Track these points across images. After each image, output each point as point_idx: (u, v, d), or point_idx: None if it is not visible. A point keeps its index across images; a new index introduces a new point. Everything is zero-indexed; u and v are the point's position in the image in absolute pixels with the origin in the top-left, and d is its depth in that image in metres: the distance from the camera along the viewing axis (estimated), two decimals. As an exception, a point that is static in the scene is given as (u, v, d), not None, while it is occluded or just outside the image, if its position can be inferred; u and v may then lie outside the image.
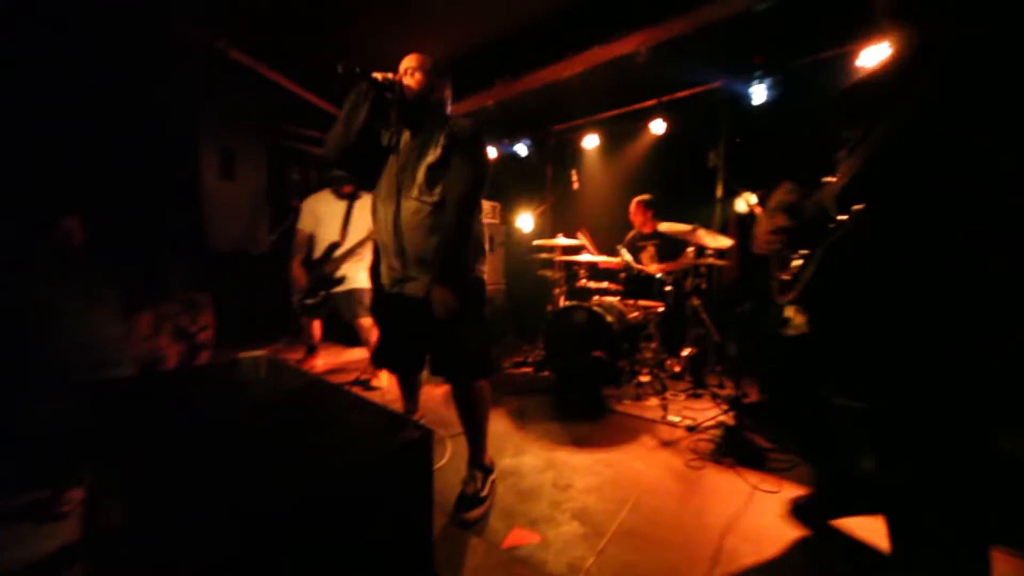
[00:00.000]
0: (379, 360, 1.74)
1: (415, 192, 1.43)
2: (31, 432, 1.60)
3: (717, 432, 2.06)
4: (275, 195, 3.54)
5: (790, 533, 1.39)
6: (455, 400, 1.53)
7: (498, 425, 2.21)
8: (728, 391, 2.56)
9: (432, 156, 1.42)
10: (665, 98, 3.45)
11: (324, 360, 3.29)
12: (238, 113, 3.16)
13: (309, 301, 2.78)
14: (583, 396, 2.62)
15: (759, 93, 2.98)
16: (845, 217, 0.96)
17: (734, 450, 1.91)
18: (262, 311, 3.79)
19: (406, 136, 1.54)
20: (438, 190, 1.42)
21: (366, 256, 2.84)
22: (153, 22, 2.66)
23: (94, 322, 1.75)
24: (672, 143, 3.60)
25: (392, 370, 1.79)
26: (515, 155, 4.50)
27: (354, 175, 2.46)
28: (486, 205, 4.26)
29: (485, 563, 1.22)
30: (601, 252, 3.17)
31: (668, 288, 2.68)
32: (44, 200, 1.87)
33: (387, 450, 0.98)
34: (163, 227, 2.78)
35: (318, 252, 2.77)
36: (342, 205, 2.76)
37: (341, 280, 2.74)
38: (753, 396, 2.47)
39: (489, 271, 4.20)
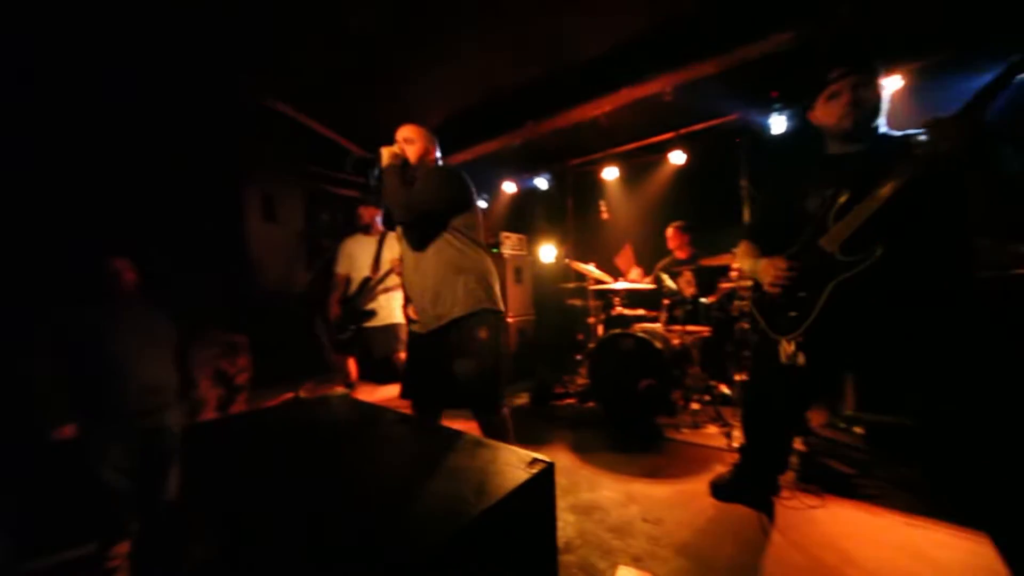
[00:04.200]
0: (407, 393, 1.72)
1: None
2: (100, 478, 1.53)
3: (791, 459, 1.98)
4: (310, 236, 3.61)
5: (920, 567, 1.31)
6: (480, 428, 1.55)
7: (561, 459, 2.13)
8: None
9: None
10: (683, 131, 3.63)
11: (361, 398, 3.21)
12: (279, 158, 3.29)
13: (341, 336, 2.76)
14: (638, 426, 2.55)
15: (778, 124, 3.15)
16: (848, 260, 1.15)
17: (815, 477, 1.83)
18: (291, 352, 3.74)
19: None
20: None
21: (398, 286, 2.86)
22: (206, 77, 2.82)
23: (155, 364, 1.72)
24: (693, 172, 3.75)
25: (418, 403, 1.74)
26: (536, 189, 4.65)
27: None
28: (512, 237, 4.34)
29: (606, 607, 1.13)
30: (633, 278, 3.21)
31: (717, 313, 2.68)
32: (95, 243, 1.88)
33: (521, 481, 0.93)
34: (207, 269, 2.81)
35: (352, 289, 2.79)
36: (373, 241, 2.82)
37: (371, 314, 2.72)
38: (818, 419, 2.41)
39: (518, 303, 4.25)
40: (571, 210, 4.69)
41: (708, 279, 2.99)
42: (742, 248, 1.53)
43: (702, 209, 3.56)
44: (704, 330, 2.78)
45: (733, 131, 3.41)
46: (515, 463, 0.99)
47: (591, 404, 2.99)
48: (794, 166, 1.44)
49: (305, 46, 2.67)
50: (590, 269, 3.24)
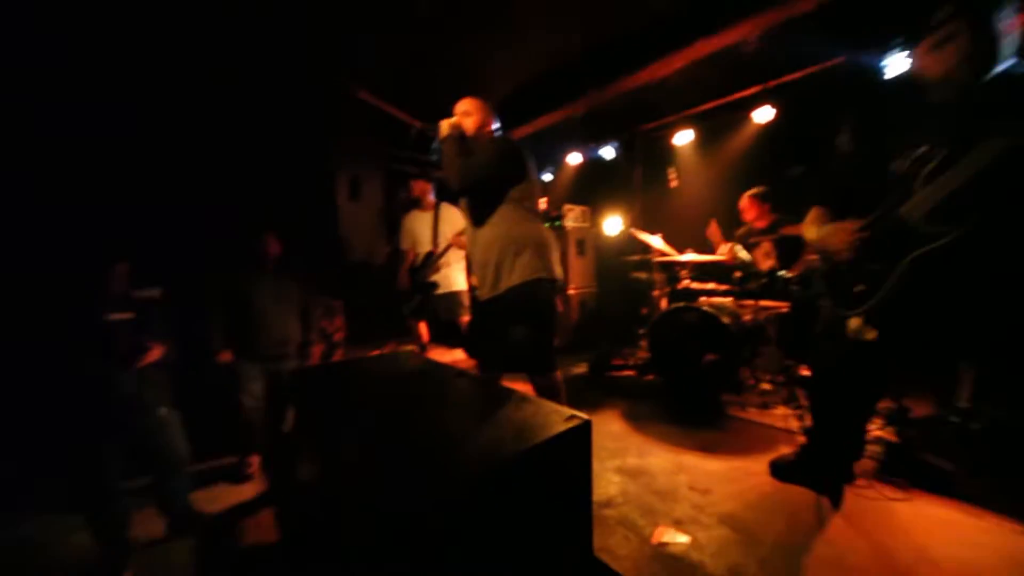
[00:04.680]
0: (472, 353, 1.88)
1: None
2: (242, 404, 1.98)
3: (876, 449, 1.81)
4: (389, 213, 3.97)
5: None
6: (533, 390, 1.64)
7: (613, 425, 2.20)
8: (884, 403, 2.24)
9: None
10: (772, 83, 3.20)
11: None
12: (362, 143, 3.63)
13: (411, 304, 3.06)
14: (699, 401, 2.48)
15: (896, 65, 2.63)
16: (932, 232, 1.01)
17: (905, 470, 1.66)
18: (376, 315, 4.23)
19: None
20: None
21: (460, 258, 3.03)
22: (304, 74, 3.17)
23: (286, 321, 2.13)
24: (782, 130, 3.31)
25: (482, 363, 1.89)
26: (601, 159, 4.49)
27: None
28: (575, 209, 4.29)
29: (639, 554, 1.22)
30: (706, 251, 3.01)
31: (795, 287, 2.44)
32: (245, 219, 2.33)
33: (556, 432, 1.03)
34: (308, 242, 3.28)
35: (418, 262, 3.05)
36: (428, 217, 3.00)
37: (434, 285, 2.95)
38: (921, 410, 2.12)
39: (580, 275, 4.25)
40: (639, 179, 4.46)
41: (791, 250, 2.70)
42: (812, 214, 1.39)
43: (786, 172, 3.16)
44: (781, 306, 2.55)
45: (836, 78, 2.92)
46: (554, 417, 1.10)
47: (650, 377, 2.96)
48: (892, 118, 1.25)
49: (380, 35, 2.86)
50: (654, 240, 3.11)
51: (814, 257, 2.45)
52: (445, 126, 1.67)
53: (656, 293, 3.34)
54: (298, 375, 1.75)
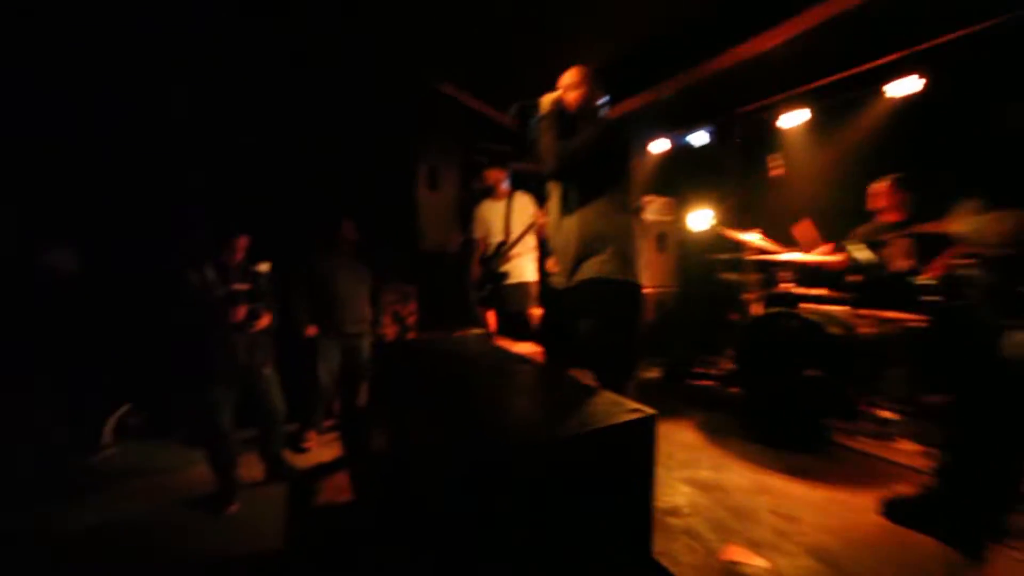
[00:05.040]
0: (541, 341, 1.83)
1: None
2: (316, 376, 2.24)
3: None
4: (464, 202, 4.16)
5: None
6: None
7: (685, 435, 2.05)
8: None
9: None
10: (920, 47, 2.62)
11: (501, 349, 3.67)
12: (441, 134, 3.85)
13: (480, 293, 3.15)
14: (793, 421, 2.18)
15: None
16: None
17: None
18: (448, 302, 4.47)
19: None
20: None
21: (530, 248, 3.03)
22: (388, 70, 3.44)
23: (361, 301, 2.38)
24: (926, 107, 2.71)
25: (549, 352, 1.83)
26: (689, 146, 4.14)
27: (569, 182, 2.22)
28: (657, 200, 4.03)
29: (703, 565, 1.14)
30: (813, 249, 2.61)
31: (934, 297, 2.00)
32: (326, 207, 2.62)
33: (617, 422, 0.99)
34: (386, 230, 3.57)
35: (490, 251, 3.10)
36: (501, 206, 2.99)
37: (504, 275, 2.97)
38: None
39: (658, 272, 4.00)
40: (735, 168, 4.01)
41: (926, 251, 2.21)
42: (968, 206, 1.12)
43: (937, 157, 2.57)
44: (915, 318, 2.10)
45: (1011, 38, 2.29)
46: (617, 407, 1.06)
47: (735, 390, 2.68)
48: None
49: (460, 31, 2.98)
50: (751, 237, 2.79)
51: (955, 260, 1.98)
52: (547, 101, 1.52)
53: (749, 296, 3.00)
54: (378, 348, 1.93)
